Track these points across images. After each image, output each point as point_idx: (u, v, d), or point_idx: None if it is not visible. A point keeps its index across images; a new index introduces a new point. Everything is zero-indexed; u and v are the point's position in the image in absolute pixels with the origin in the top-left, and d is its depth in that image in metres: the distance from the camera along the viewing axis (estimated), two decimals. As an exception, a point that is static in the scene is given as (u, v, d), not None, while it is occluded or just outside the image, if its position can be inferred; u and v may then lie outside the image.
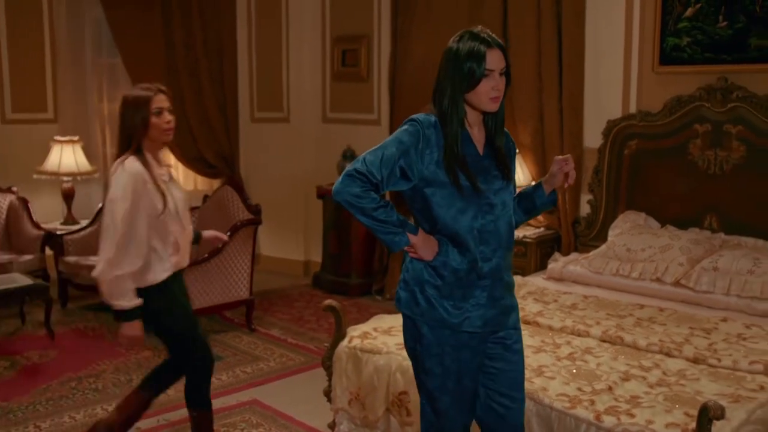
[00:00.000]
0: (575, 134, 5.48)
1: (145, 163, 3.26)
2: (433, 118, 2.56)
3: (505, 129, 2.71)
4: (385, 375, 3.61)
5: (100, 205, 6.70)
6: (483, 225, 2.58)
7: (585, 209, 5.50)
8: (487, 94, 2.50)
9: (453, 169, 2.52)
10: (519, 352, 2.74)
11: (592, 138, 5.46)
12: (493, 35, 2.54)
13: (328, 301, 3.93)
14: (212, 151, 7.35)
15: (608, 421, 2.94)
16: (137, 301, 3.25)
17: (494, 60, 2.49)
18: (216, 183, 7.50)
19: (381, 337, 3.81)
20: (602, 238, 5.24)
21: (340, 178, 2.55)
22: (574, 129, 5.48)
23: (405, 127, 2.58)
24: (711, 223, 4.92)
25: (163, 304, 3.35)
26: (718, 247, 4.64)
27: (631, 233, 4.92)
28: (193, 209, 6.16)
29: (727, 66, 4.85)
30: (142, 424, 4.23)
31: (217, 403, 4.46)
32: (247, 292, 5.76)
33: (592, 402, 3.07)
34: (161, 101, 3.26)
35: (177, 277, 3.41)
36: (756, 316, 4.18)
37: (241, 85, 7.57)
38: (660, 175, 5.12)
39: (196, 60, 7.20)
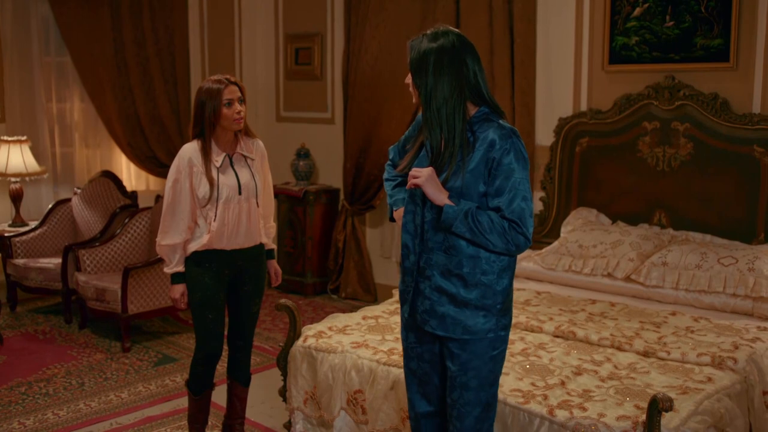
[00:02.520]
0: (527, 132, 5.53)
1: (205, 149, 3.49)
2: None
3: (501, 126, 2.59)
4: (341, 374, 3.62)
5: (50, 205, 6.60)
6: (407, 217, 2.76)
7: (538, 206, 5.56)
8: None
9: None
10: (457, 374, 2.69)
11: (544, 136, 5.52)
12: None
13: (282, 301, 3.92)
14: (164, 150, 7.26)
15: (561, 415, 2.98)
16: (175, 269, 3.57)
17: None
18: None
19: (336, 336, 3.81)
20: (555, 234, 5.30)
21: None
22: (527, 127, 5.53)
23: None
24: (660, 219, 5.01)
25: (189, 273, 3.58)
26: (667, 243, 4.73)
27: (582, 229, 4.98)
28: (144, 210, 6.10)
29: (675, 65, 4.94)
30: (95, 428, 4.18)
31: (170, 405, 4.44)
32: (201, 292, 5.70)
33: (546, 397, 3.11)
34: (232, 93, 3.47)
35: (216, 256, 3.56)
36: (703, 309, 4.28)
37: (194, 84, 7.49)
38: (610, 172, 5.20)
39: (146, 58, 7.11)
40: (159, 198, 6.29)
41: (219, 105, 3.45)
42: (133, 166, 7.44)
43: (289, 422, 3.89)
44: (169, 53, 7.23)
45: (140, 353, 5.31)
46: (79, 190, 6.62)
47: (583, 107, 5.36)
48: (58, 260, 5.93)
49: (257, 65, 7.38)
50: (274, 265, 3.87)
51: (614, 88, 5.19)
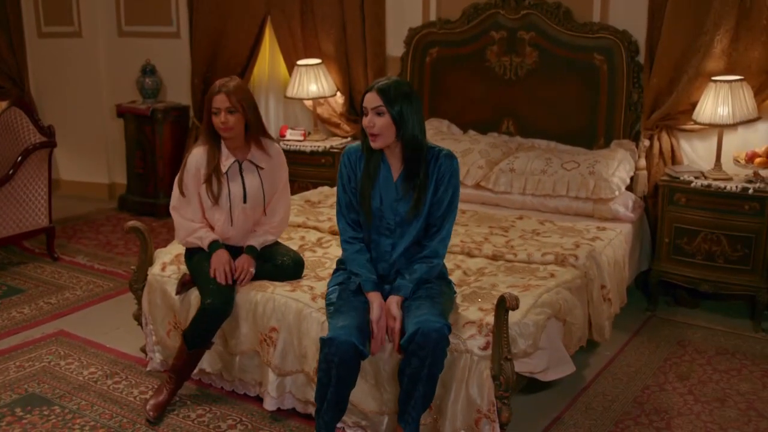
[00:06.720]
0: (378, 43, 5.50)
1: (212, 154, 3.47)
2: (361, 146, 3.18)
3: (444, 153, 3.10)
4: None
5: None
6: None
7: (391, 118, 5.57)
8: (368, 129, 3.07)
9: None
10: None
11: (395, 47, 5.50)
12: (380, 81, 3.07)
13: (131, 223, 3.79)
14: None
15: (413, 322, 3.05)
16: (209, 240, 3.54)
17: (368, 101, 3.06)
18: (3, 105, 6.92)
19: (190, 258, 3.74)
20: (408, 145, 5.34)
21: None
22: (377, 37, 5.49)
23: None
24: (508, 127, 5.14)
25: (193, 256, 3.58)
26: (515, 150, 4.87)
27: (434, 140, 5.02)
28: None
29: (520, -27, 5.00)
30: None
31: (19, 338, 4.27)
32: (46, 219, 5.43)
33: (399, 305, 3.17)
34: (219, 102, 3.40)
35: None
36: (548, 213, 4.48)
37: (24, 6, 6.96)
38: (461, 81, 5.26)
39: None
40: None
41: (209, 112, 3.44)
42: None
43: (145, 346, 3.83)
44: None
45: (-17, 286, 5.03)
46: None
47: (433, 17, 5.36)
48: None
49: (94, -24, 6.91)
50: (246, 258, 3.51)
51: (462, -3, 5.20)
